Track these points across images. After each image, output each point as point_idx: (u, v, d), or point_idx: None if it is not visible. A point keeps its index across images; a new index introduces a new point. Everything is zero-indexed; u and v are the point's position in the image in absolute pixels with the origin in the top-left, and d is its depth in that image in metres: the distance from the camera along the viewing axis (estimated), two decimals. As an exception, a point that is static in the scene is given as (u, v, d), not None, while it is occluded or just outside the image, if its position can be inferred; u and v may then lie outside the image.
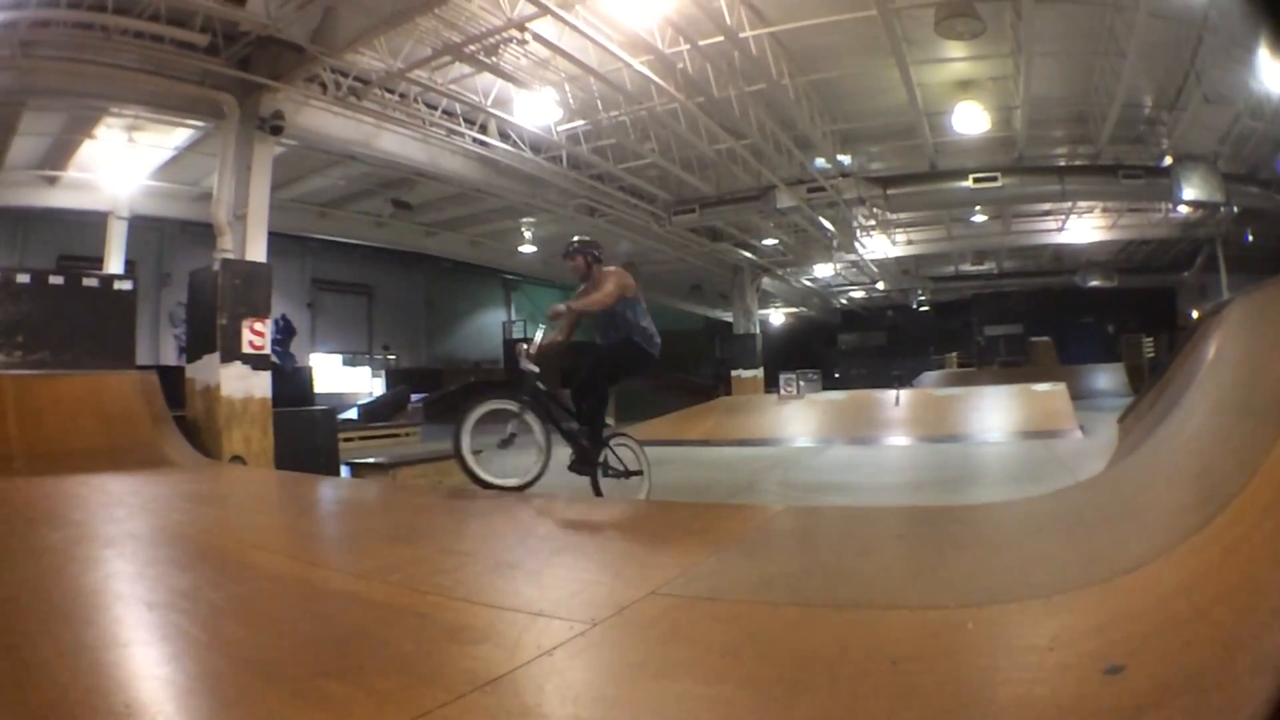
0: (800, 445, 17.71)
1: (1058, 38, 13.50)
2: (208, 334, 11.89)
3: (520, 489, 6.68)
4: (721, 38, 12.83)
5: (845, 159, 19.37)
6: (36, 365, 10.88)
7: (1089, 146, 18.45)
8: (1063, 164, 19.45)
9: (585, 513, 5.87)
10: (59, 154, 17.72)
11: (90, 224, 19.05)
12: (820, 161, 18.95)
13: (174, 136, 16.54)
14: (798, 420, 20.46)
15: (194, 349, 12.41)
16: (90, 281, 11.95)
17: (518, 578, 3.77)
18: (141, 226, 18.77)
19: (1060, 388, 18.41)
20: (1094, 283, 33.19)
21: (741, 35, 12.80)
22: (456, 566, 3.97)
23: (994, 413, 18.04)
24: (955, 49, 13.96)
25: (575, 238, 8.32)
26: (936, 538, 4.39)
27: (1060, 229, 26.73)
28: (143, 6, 11.88)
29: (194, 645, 2.96)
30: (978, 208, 23.69)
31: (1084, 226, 26.38)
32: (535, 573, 3.85)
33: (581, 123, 16.67)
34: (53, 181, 18.43)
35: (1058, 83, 15.34)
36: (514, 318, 40.72)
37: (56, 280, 11.67)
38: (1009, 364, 35.21)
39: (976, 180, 19.22)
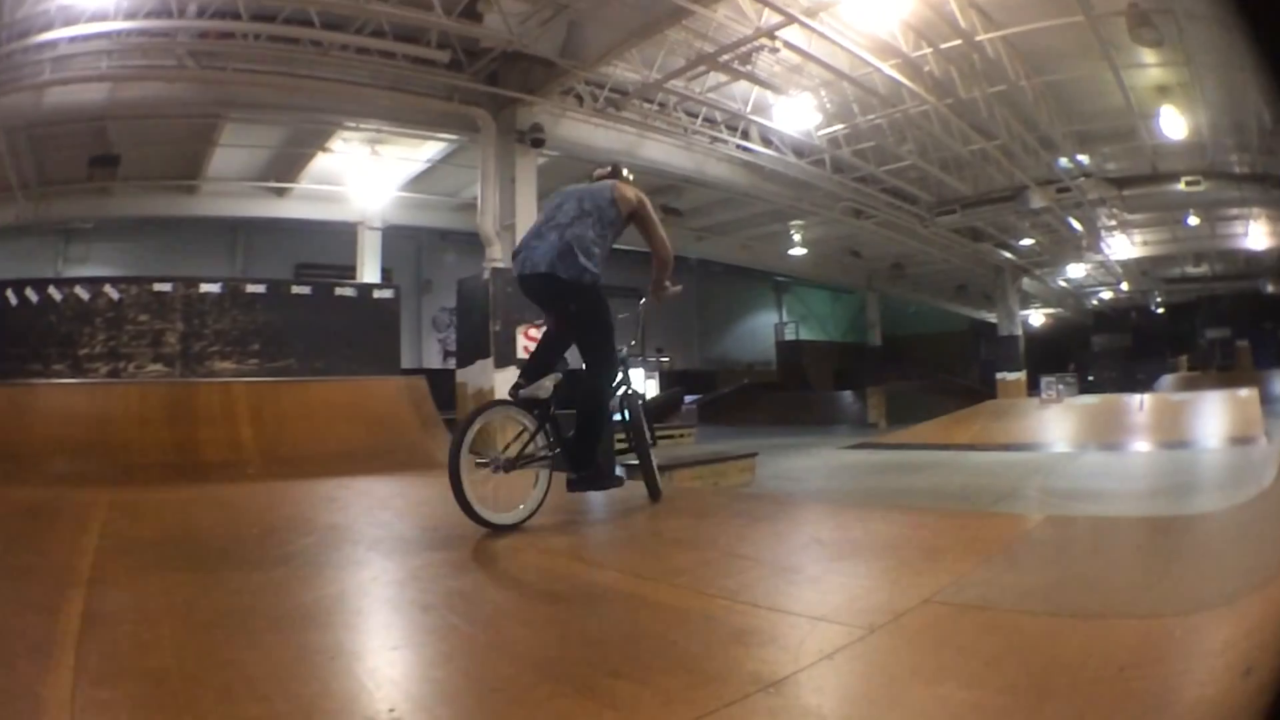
0: (1058, 451, 17.83)
1: (1215, 50, 13.11)
2: (479, 340, 12.38)
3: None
4: (959, 40, 12.90)
5: (1084, 159, 19.11)
6: (278, 373, 11.31)
7: (1248, 155, 18.25)
8: (1237, 170, 19.05)
9: (862, 519, 5.70)
10: (285, 166, 18.70)
11: (329, 233, 19.97)
12: (1063, 161, 18.71)
13: (425, 149, 17.16)
14: (1056, 425, 20.59)
15: (465, 354, 12.89)
16: (346, 291, 12.41)
17: (800, 583, 3.79)
18: (396, 235, 19.57)
19: (1252, 394, 19.02)
20: (1270, 288, 33.05)
21: (977, 38, 12.85)
22: (741, 570, 3.97)
23: (1210, 419, 18.45)
24: (1149, 55, 13.73)
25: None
26: (1166, 548, 4.41)
27: (1244, 234, 26.23)
28: (360, 24, 12.43)
29: (474, 646, 3.05)
30: (1190, 211, 23.13)
31: (1259, 232, 25.86)
32: (816, 579, 3.85)
33: (840, 126, 16.73)
34: (282, 193, 19.41)
35: (1226, 91, 14.97)
36: (785, 319, 40.72)
37: (301, 290, 12.28)
38: (1224, 368, 34.11)
39: (1187, 183, 19.12)
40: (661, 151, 16.52)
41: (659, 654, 2.78)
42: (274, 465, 9.24)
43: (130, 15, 12.35)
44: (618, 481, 5.94)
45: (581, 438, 5.63)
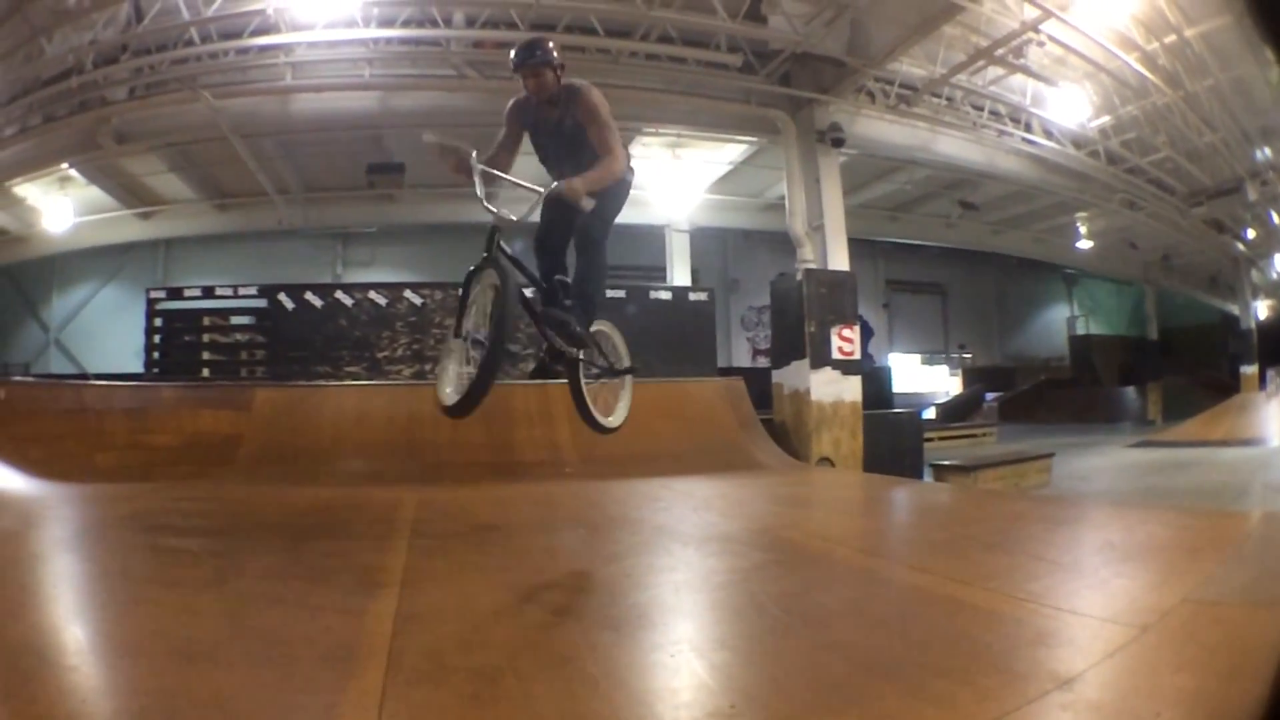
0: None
1: None
2: (795, 341, 12.50)
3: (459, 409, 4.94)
4: (1174, 35, 12.91)
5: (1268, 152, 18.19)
6: (599, 376, 11.47)
7: None
8: None
9: (1144, 521, 5.73)
10: None
11: (634, 235, 19.67)
12: (1259, 154, 18.12)
13: (726, 152, 17.26)
14: None
15: (780, 355, 12.89)
16: (661, 294, 12.75)
17: (1093, 585, 3.92)
18: (701, 236, 19.81)
19: None
20: None
21: (1185, 33, 12.88)
22: (1044, 574, 4.16)
23: None
24: None
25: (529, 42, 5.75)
26: None
27: None
28: (644, 30, 12.68)
29: (808, 645, 3.19)
30: None
31: None
32: (1105, 581, 3.98)
33: (1106, 118, 16.48)
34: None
35: None
36: (1076, 313, 39.16)
37: (616, 294, 12.60)
38: None
39: None
40: (954, 146, 16.35)
41: (975, 655, 2.97)
42: (592, 465, 9.43)
43: (386, 23, 12.91)
44: None
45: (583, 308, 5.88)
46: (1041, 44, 12.51)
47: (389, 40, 13.27)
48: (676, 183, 18.17)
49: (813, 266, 13.00)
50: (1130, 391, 33.66)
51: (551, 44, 5.68)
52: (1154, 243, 27.17)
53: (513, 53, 5.61)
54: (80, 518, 6.71)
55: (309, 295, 12.95)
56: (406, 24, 12.95)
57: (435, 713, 2.62)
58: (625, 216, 17.01)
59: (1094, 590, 3.84)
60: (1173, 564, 4.30)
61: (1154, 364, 33.45)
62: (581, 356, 6.04)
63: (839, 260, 13.27)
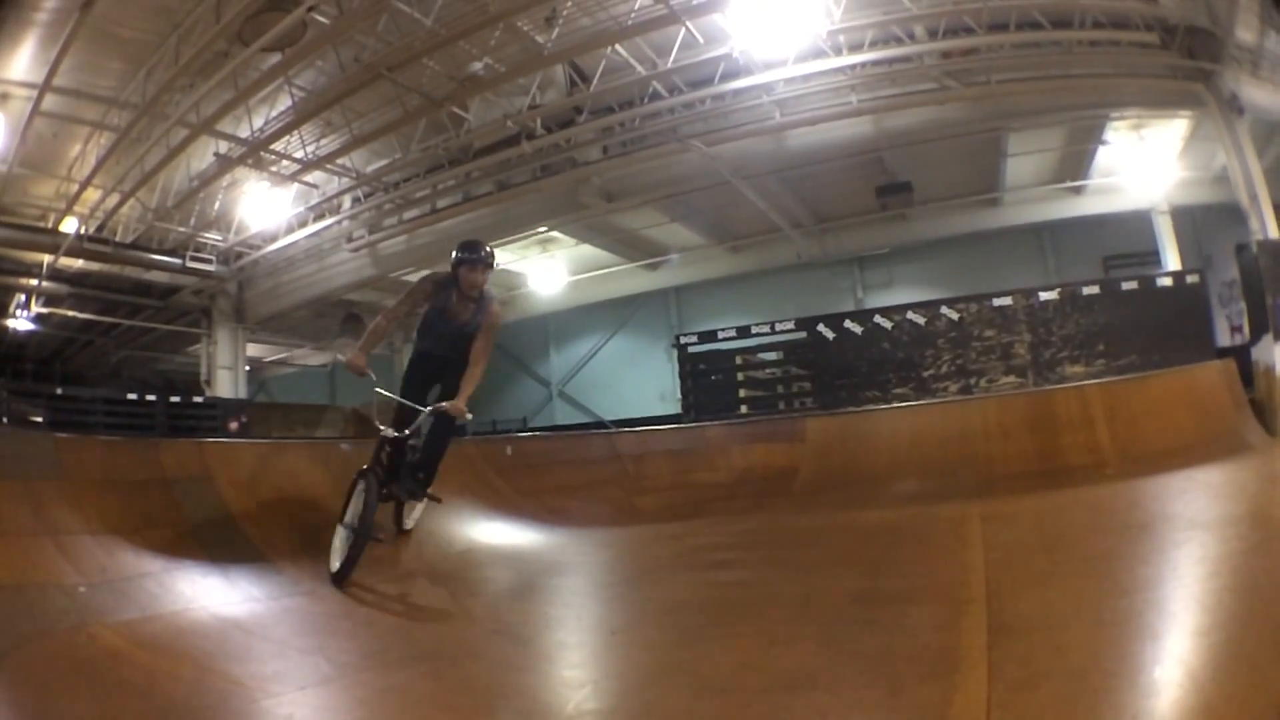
0: None
1: None
2: (1259, 315, 11.87)
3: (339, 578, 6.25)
4: None
5: None
6: (1121, 370, 11.83)
7: None
8: None
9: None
10: (1072, 165, 19.67)
11: (1122, 222, 20.21)
12: None
13: (1175, 128, 17.16)
14: None
15: (1254, 330, 12.33)
16: (1164, 281, 12.73)
17: None
18: (1172, 215, 19.52)
19: None
20: None
21: None
22: None
23: None
24: None
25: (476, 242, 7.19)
26: None
27: None
28: (1080, 17, 12.99)
29: None
30: None
31: None
32: None
33: None
34: (1078, 191, 19.98)
35: None
36: None
37: (1129, 285, 12.73)
38: None
39: None
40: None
41: None
42: (1129, 464, 9.04)
43: (855, 48, 13.53)
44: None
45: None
46: None
47: (864, 64, 13.83)
48: (1144, 164, 18.50)
49: (1265, 239, 12.83)
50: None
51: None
52: None
53: (461, 248, 6.96)
54: (645, 554, 7.75)
55: (848, 323, 13.64)
56: (874, 45, 13.58)
57: (1037, 714, 2.93)
58: (1109, 205, 19.39)
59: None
60: None
61: None
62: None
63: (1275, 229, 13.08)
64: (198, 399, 21.71)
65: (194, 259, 21.02)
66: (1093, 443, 9.83)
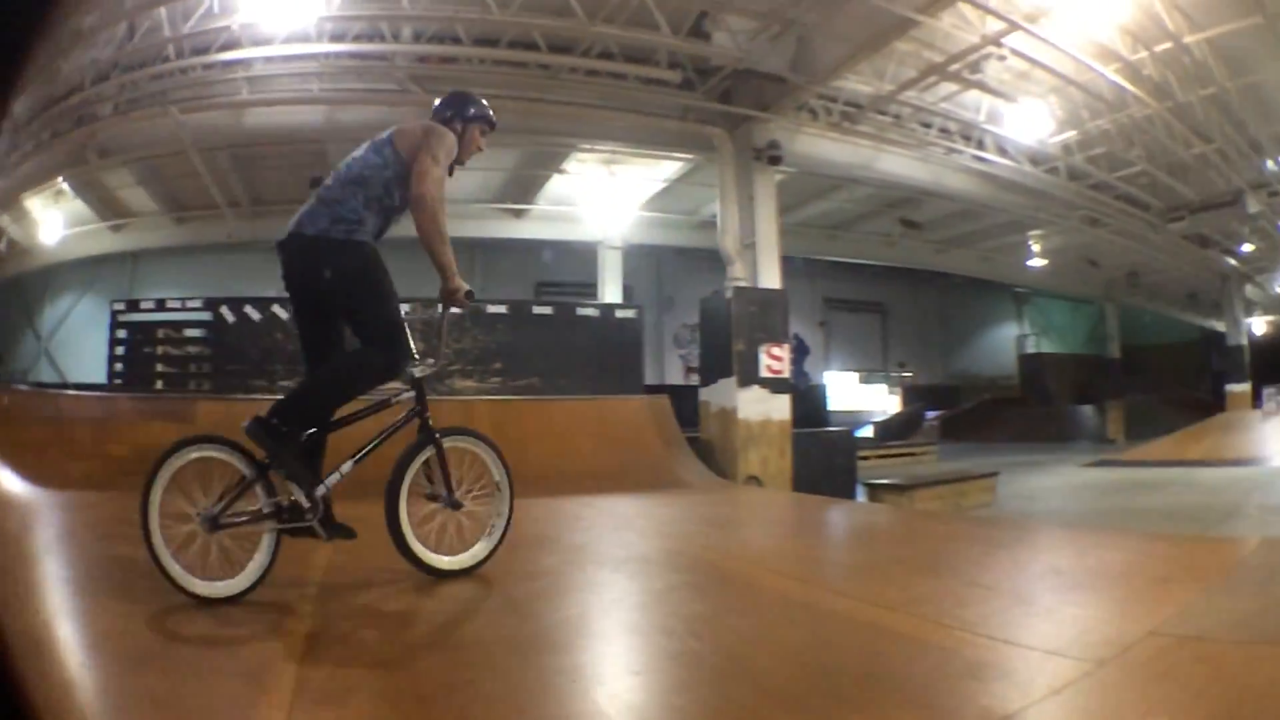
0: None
1: None
2: (722, 359, 12.42)
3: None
4: (1169, 43, 12.55)
5: None
6: (519, 391, 11.72)
7: None
8: None
9: (1098, 545, 5.69)
10: (521, 189, 19.25)
11: (569, 252, 20.55)
12: (1270, 164, 17.85)
13: (663, 169, 17.24)
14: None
15: (708, 372, 12.92)
16: (588, 310, 12.75)
17: (1036, 614, 3.78)
18: (637, 253, 19.85)
19: None
20: None
21: (1184, 40, 12.49)
22: (979, 600, 4.01)
23: None
24: None
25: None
26: None
27: None
28: (586, 46, 12.65)
29: (715, 673, 3.08)
30: None
31: None
32: (1051, 610, 3.83)
33: (1071, 133, 16.31)
34: (519, 214, 20.02)
35: None
36: (1026, 331, 39.52)
37: (543, 310, 12.84)
38: None
39: None
40: (899, 164, 16.30)
41: (896, 687, 2.84)
42: (517, 485, 9.06)
43: (337, 38, 12.93)
44: (303, 479, 4.17)
45: (301, 390, 4.52)
46: (1003, 58, 12.34)
47: (339, 55, 13.27)
48: (611, 199, 18.27)
49: (743, 285, 12.98)
50: (1087, 410, 33.87)
51: None
52: (1118, 260, 27.34)
53: (476, 101, 5.31)
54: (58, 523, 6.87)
55: (248, 309, 12.98)
56: (359, 39, 12.99)
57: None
58: (556, 233, 18.45)
59: (1037, 619, 3.70)
60: (1137, 593, 4.11)
61: (1114, 382, 33.71)
62: None
63: (770, 279, 13.20)
64: None
65: None
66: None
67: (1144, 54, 12.95)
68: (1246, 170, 17.81)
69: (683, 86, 13.47)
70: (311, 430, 4.32)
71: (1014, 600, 4.10)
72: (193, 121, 14.54)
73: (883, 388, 34.86)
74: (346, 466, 4.34)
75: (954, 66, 12.61)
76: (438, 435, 4.68)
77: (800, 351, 20.72)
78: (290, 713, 2.61)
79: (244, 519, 3.99)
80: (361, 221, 4.58)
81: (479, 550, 4.77)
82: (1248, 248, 25.47)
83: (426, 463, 4.65)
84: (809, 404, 15.79)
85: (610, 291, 18.93)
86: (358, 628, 3.67)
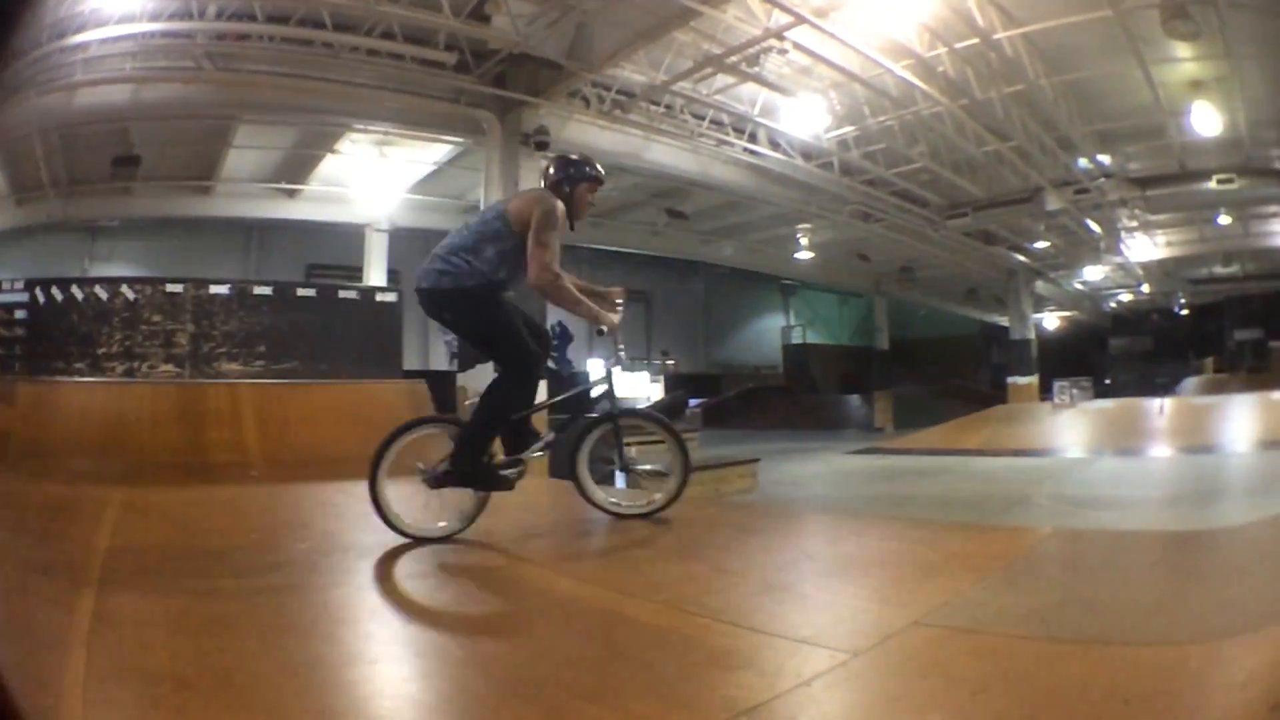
0: (1072, 457, 17.74)
1: (1259, 41, 13.11)
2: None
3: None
4: (977, 40, 12.79)
5: (1105, 159, 18.98)
6: (283, 375, 11.58)
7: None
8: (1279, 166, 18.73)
9: (859, 532, 5.67)
10: (296, 168, 19.07)
11: (340, 234, 20.43)
12: (1082, 162, 18.63)
13: (433, 152, 17.33)
14: (1069, 430, 20.59)
15: (465, 358, 13.07)
16: (349, 293, 12.62)
17: (786, 601, 3.69)
18: (406, 237, 19.65)
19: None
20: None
21: (995, 36, 12.72)
22: (727, 587, 3.90)
23: (1239, 422, 18.16)
24: (1182, 49, 13.59)
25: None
26: (1184, 566, 4.36)
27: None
28: (370, 25, 12.50)
29: (451, 662, 3.05)
30: (1221, 209, 22.60)
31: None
32: (804, 596, 3.80)
33: (850, 128, 16.72)
34: (293, 195, 19.84)
35: (1271, 83, 14.69)
36: (792, 322, 40.76)
37: (307, 293, 12.58)
38: (1254, 370, 32.88)
39: (1219, 181, 18.76)
40: (667, 154, 16.60)
41: (633, 676, 2.77)
42: (276, 468, 9.30)
43: (154, 17, 12.57)
44: (498, 483, 5.37)
45: (465, 432, 5.42)
46: (784, 52, 12.49)
47: (151, 34, 12.91)
48: (379, 181, 18.26)
49: None
50: (854, 399, 34.90)
51: None
52: (890, 254, 28.18)
53: (583, 163, 5.74)
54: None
55: (55, 290, 12.42)
56: (173, 17, 12.65)
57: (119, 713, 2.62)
58: (327, 214, 18.49)
59: (787, 606, 3.61)
60: (899, 580, 4.00)
61: (882, 373, 34.68)
62: None
63: (530, 265, 13.11)
64: None
65: None
66: (240, 442, 10.09)
67: (941, 50, 13.21)
68: (1050, 168, 18.55)
69: (458, 69, 13.46)
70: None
71: (763, 587, 3.96)
72: (45, 103, 14.08)
73: (646, 375, 35.11)
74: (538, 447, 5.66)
75: (732, 59, 12.82)
76: (615, 414, 5.96)
77: (563, 339, 20.75)
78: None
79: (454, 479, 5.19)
80: (468, 272, 5.28)
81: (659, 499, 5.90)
82: (1041, 244, 26.59)
83: (602, 436, 6.00)
84: (569, 390, 15.80)
85: (376, 274, 18.94)
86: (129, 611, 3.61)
